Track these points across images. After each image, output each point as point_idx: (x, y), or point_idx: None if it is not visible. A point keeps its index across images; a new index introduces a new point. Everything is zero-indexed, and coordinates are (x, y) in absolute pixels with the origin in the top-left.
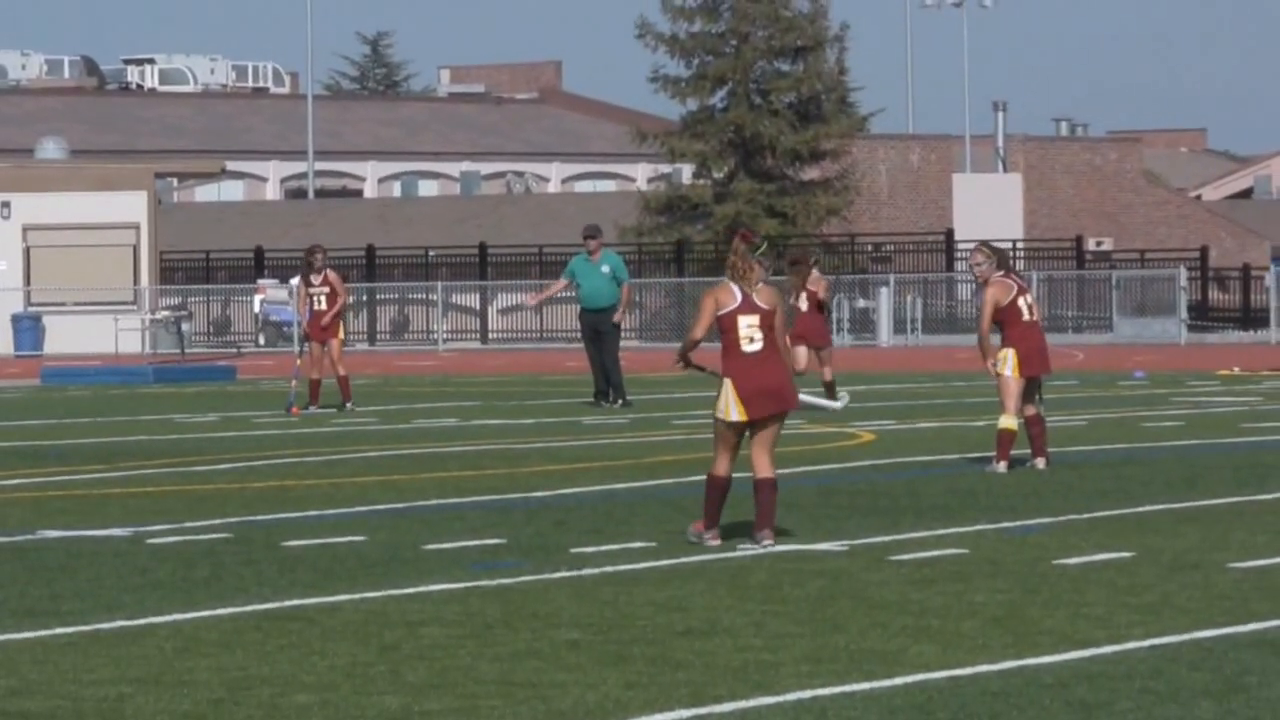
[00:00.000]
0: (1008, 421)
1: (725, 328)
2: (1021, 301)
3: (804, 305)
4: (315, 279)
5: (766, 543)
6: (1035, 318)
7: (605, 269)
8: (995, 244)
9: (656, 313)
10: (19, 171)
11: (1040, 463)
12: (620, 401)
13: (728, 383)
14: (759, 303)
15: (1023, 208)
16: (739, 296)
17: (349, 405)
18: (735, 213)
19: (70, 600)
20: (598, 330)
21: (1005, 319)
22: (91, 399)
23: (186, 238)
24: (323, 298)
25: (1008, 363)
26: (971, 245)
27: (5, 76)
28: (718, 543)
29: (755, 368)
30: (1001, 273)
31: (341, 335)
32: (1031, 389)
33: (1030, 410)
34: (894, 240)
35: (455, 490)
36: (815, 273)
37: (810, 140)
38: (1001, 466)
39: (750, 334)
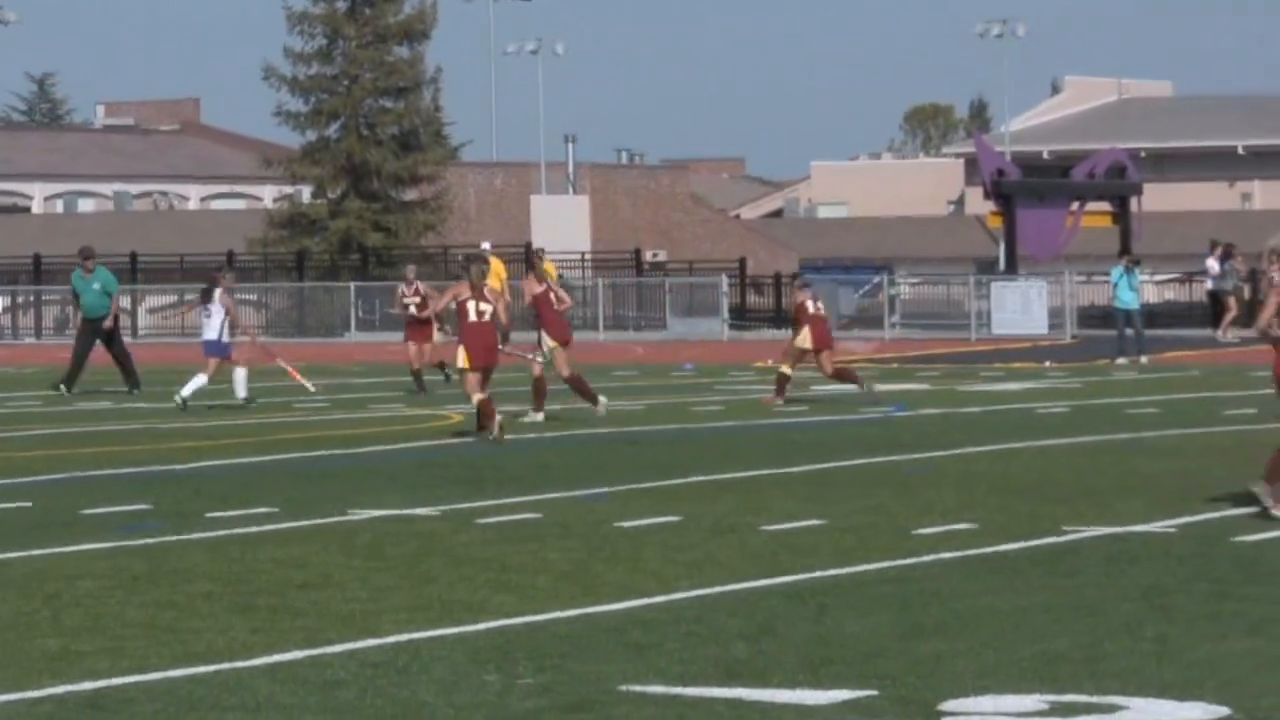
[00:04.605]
0: (478, 397)
1: None
2: (470, 305)
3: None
4: None
5: None
6: (487, 320)
7: (96, 285)
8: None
9: (280, 312)
10: None
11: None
12: (135, 390)
13: None
14: None
15: (590, 224)
16: None
17: None
18: (347, 227)
19: None
20: (97, 335)
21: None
22: None
23: None
24: None
25: (461, 356)
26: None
27: None
28: None
29: None
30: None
31: None
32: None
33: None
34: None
35: (108, 463)
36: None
37: (410, 166)
38: (496, 429)
39: None
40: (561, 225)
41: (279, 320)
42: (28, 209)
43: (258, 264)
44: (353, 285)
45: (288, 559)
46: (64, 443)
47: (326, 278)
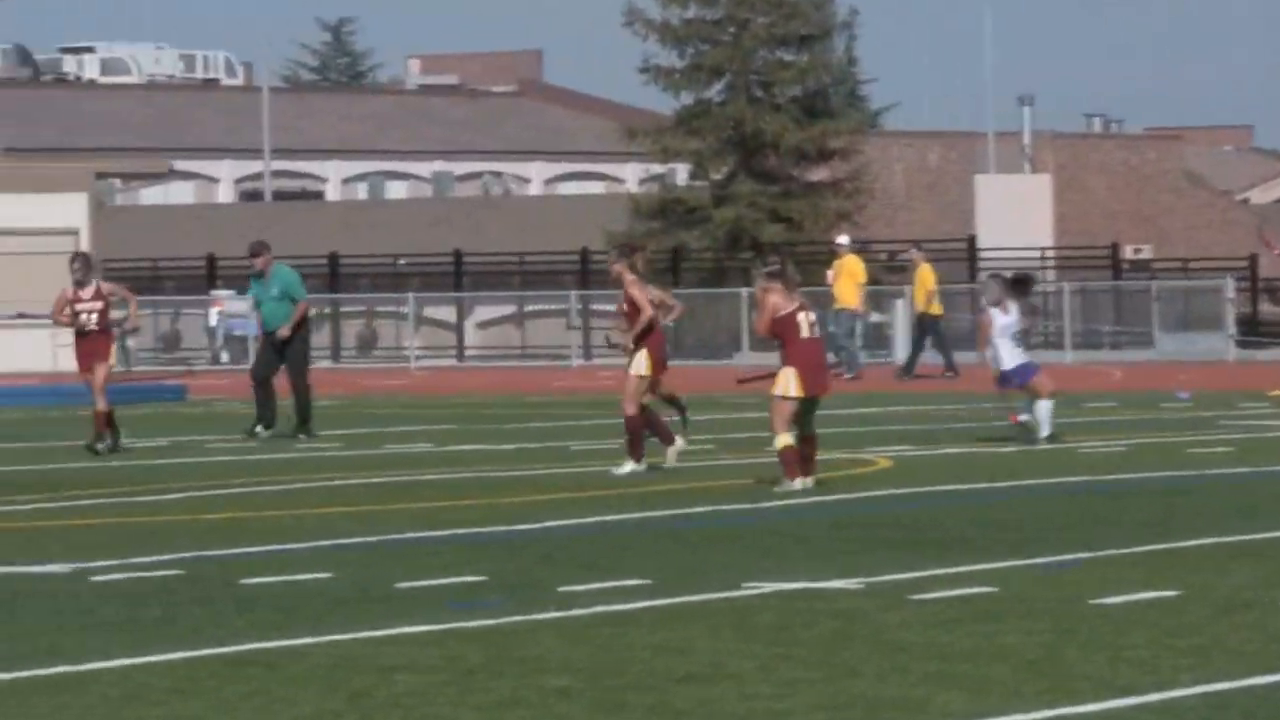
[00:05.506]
0: (786, 440)
1: None
2: (801, 317)
3: None
4: (84, 292)
5: None
6: (819, 334)
7: (275, 291)
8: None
9: None
10: None
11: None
12: (304, 434)
13: None
14: None
15: (1053, 211)
16: None
17: (100, 446)
18: (735, 217)
19: (5, 643)
20: (279, 354)
21: (784, 333)
22: (26, 421)
23: (131, 244)
24: (94, 315)
25: (789, 383)
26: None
27: None
28: None
29: None
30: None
31: (112, 360)
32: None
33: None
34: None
35: (431, 522)
36: None
37: (817, 137)
38: (798, 484)
39: None
40: (1015, 213)
41: None
42: (320, 194)
43: None
44: (744, 292)
45: (667, 644)
46: (372, 496)
47: (710, 283)
